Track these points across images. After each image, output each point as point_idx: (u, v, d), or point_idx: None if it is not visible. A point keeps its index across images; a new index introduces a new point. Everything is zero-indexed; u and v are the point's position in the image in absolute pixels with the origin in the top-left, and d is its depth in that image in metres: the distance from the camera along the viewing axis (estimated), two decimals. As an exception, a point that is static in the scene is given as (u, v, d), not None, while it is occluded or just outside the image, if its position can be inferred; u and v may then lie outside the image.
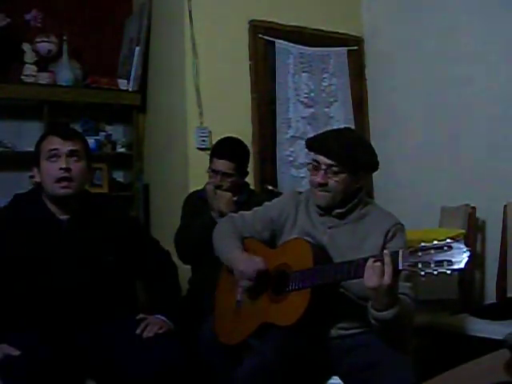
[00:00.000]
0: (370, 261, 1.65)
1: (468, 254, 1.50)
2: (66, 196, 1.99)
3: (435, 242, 1.55)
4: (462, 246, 1.51)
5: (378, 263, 1.62)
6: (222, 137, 2.70)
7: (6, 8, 3.56)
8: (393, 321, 1.68)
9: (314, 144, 1.95)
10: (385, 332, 1.76)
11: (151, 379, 1.85)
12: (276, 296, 1.89)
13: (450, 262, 1.51)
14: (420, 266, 1.56)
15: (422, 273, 1.56)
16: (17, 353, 1.78)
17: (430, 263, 1.54)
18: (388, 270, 1.61)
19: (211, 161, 2.58)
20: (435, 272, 1.53)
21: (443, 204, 3.23)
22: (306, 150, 2.00)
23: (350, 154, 1.86)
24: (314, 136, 2.02)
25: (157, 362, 1.87)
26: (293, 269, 1.87)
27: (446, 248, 1.53)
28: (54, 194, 2.00)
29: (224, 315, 2.04)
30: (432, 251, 1.54)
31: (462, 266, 1.50)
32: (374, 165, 1.97)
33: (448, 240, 1.54)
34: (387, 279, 1.60)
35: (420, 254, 1.56)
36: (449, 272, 1.52)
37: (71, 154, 2.00)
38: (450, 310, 2.91)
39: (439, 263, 1.52)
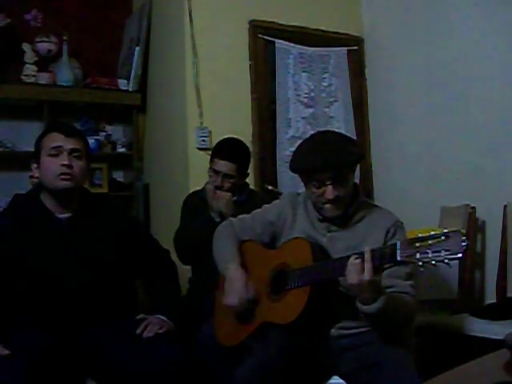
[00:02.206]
0: (351, 258, 1.66)
1: (466, 242, 1.49)
2: (66, 189, 1.99)
3: (432, 233, 1.55)
4: (460, 235, 1.51)
5: (358, 260, 1.64)
6: (224, 137, 2.69)
7: (5, 8, 3.56)
8: (380, 314, 1.68)
9: (306, 165, 1.86)
10: (377, 325, 1.77)
11: (151, 379, 1.85)
12: (275, 295, 1.89)
13: (448, 251, 1.51)
14: (418, 256, 1.56)
15: (420, 263, 1.55)
16: (5, 352, 1.78)
17: (427, 253, 1.54)
18: (367, 266, 1.62)
19: (212, 161, 2.57)
20: (433, 261, 1.53)
21: (443, 204, 3.23)
22: (298, 174, 1.92)
23: (345, 155, 1.82)
24: (299, 158, 1.89)
25: (157, 362, 1.87)
26: (292, 267, 1.87)
27: (443, 238, 1.52)
28: (54, 188, 2.00)
29: (224, 316, 2.04)
30: (430, 241, 1.54)
31: (459, 254, 1.49)
32: (363, 151, 1.96)
33: (445, 230, 1.54)
34: (366, 276, 1.61)
35: (418, 244, 1.56)
36: (446, 261, 1.51)
37: (73, 151, 2.01)
38: (450, 310, 2.91)
39: (437, 253, 1.52)
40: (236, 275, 1.93)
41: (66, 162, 1.97)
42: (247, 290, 1.90)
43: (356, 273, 1.63)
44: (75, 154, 2.01)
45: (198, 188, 2.71)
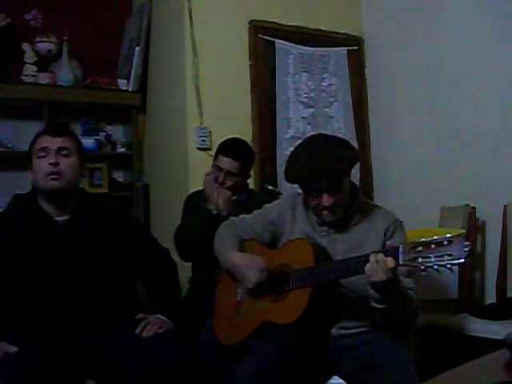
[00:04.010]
0: (378, 255, 1.63)
1: (468, 248, 1.50)
2: (54, 189, 1.99)
3: (435, 237, 1.55)
4: (463, 240, 1.51)
5: (388, 258, 1.61)
6: (229, 136, 2.70)
7: (6, 8, 3.56)
8: (393, 310, 1.68)
9: (298, 177, 1.87)
10: (386, 321, 1.76)
11: (151, 379, 1.85)
12: (276, 295, 1.89)
13: (451, 256, 1.51)
14: (420, 260, 1.56)
15: (423, 267, 1.55)
16: (15, 349, 1.79)
17: (430, 258, 1.54)
18: (391, 263, 1.60)
19: (216, 158, 2.59)
20: (435, 266, 1.53)
21: (443, 204, 3.23)
22: (295, 185, 1.92)
23: (337, 161, 1.80)
24: (291, 168, 1.89)
25: (156, 362, 1.87)
26: (293, 268, 1.87)
27: (446, 242, 1.52)
28: (44, 189, 2.01)
29: (224, 315, 2.04)
30: (432, 246, 1.54)
31: (462, 260, 1.50)
32: (357, 152, 1.96)
33: (448, 235, 1.54)
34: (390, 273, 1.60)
35: (420, 248, 1.56)
36: (449, 266, 1.52)
37: (60, 150, 2.02)
38: (450, 310, 2.91)
39: (439, 257, 1.52)
40: (239, 260, 1.95)
41: (52, 161, 1.99)
42: (257, 266, 1.90)
43: (381, 270, 1.60)
44: (63, 152, 2.03)
45: (199, 188, 2.72)
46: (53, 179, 1.99)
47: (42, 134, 2.07)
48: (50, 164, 1.99)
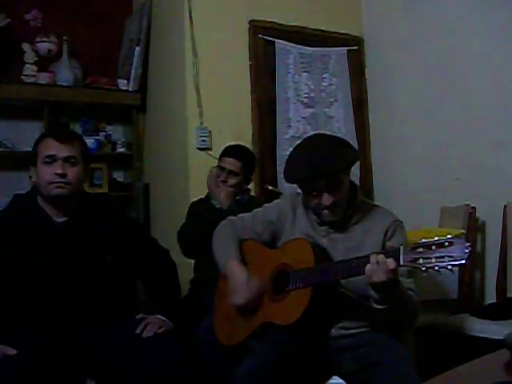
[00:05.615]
0: (379, 256, 1.63)
1: (469, 249, 1.50)
2: (59, 196, 1.98)
3: (436, 238, 1.55)
4: (463, 241, 1.51)
5: (389, 259, 1.61)
6: (232, 143, 2.79)
7: (6, 8, 3.56)
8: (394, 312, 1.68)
9: (298, 176, 1.86)
10: (386, 321, 1.77)
11: (151, 379, 1.85)
12: (276, 295, 1.89)
13: (452, 258, 1.51)
14: (421, 261, 1.56)
15: (423, 268, 1.56)
16: (13, 352, 1.78)
17: (431, 259, 1.54)
18: (392, 265, 1.60)
19: (220, 160, 2.71)
20: (436, 267, 1.53)
21: (443, 204, 3.23)
22: (294, 185, 1.91)
23: (336, 160, 1.80)
24: (291, 168, 1.88)
25: (156, 362, 1.87)
26: (293, 268, 1.87)
27: (447, 244, 1.53)
28: (48, 195, 2.00)
29: (224, 315, 2.03)
30: (433, 247, 1.55)
31: (463, 261, 1.50)
32: (356, 151, 1.95)
33: (449, 236, 1.54)
34: (390, 274, 1.60)
35: (421, 249, 1.57)
36: (450, 267, 1.52)
37: (68, 159, 1.99)
38: (450, 310, 2.91)
39: (440, 258, 1.52)
40: (237, 273, 1.93)
41: (59, 172, 1.96)
42: (251, 288, 1.89)
43: (382, 271, 1.61)
44: (71, 161, 2.00)
45: (198, 190, 2.78)
46: (58, 187, 1.97)
47: (49, 137, 2.03)
48: (57, 174, 1.96)
